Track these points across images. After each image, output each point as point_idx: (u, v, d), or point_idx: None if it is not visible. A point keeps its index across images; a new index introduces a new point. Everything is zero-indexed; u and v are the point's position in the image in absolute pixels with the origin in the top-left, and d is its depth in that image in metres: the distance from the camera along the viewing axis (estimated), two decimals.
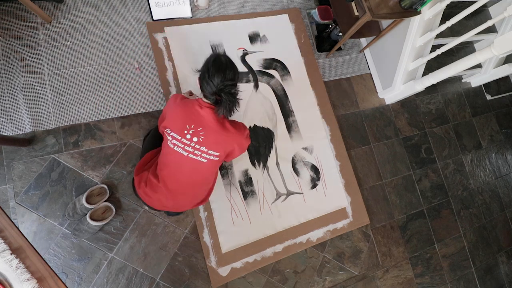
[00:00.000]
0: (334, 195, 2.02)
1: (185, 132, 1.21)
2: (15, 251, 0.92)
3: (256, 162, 1.91)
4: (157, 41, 1.90)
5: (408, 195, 2.23)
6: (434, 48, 1.95)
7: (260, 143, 1.95)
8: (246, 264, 1.75)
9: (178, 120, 1.22)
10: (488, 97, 2.73)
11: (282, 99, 2.08)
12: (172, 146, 1.23)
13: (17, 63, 1.67)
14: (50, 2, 1.77)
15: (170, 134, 1.23)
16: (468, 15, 1.62)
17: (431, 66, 2.32)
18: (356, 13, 1.95)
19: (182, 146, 1.22)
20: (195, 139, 1.21)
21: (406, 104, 2.41)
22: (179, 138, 1.22)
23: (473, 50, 2.68)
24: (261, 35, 2.14)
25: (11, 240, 0.93)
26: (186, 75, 1.90)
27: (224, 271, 1.71)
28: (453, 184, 2.40)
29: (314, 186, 1.99)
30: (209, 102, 1.22)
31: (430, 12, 1.78)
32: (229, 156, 1.34)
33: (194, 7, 2.05)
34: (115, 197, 1.66)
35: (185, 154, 1.23)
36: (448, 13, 1.94)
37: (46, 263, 0.93)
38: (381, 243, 2.07)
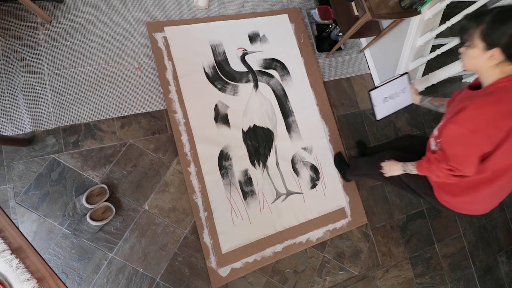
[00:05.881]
0: (334, 194, 2.02)
1: None
2: (15, 251, 0.92)
3: (255, 162, 1.91)
4: (157, 41, 1.90)
5: (408, 195, 2.23)
6: (434, 48, 1.95)
7: (260, 143, 1.95)
8: (246, 264, 1.75)
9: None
10: None
11: (282, 99, 2.08)
12: None
13: (17, 63, 1.67)
14: (50, 2, 1.77)
15: None
16: None
17: (431, 66, 2.32)
18: (356, 13, 1.95)
19: None
20: None
21: None
22: None
23: None
24: (261, 35, 2.14)
25: (11, 240, 0.93)
26: (185, 74, 1.90)
27: (224, 271, 1.70)
28: None
29: (313, 186, 1.99)
30: None
31: (430, 12, 1.78)
32: None
33: (194, 7, 2.05)
34: (115, 197, 1.67)
35: None
36: (448, 13, 1.94)
37: (46, 263, 0.93)
38: (381, 243, 2.07)
